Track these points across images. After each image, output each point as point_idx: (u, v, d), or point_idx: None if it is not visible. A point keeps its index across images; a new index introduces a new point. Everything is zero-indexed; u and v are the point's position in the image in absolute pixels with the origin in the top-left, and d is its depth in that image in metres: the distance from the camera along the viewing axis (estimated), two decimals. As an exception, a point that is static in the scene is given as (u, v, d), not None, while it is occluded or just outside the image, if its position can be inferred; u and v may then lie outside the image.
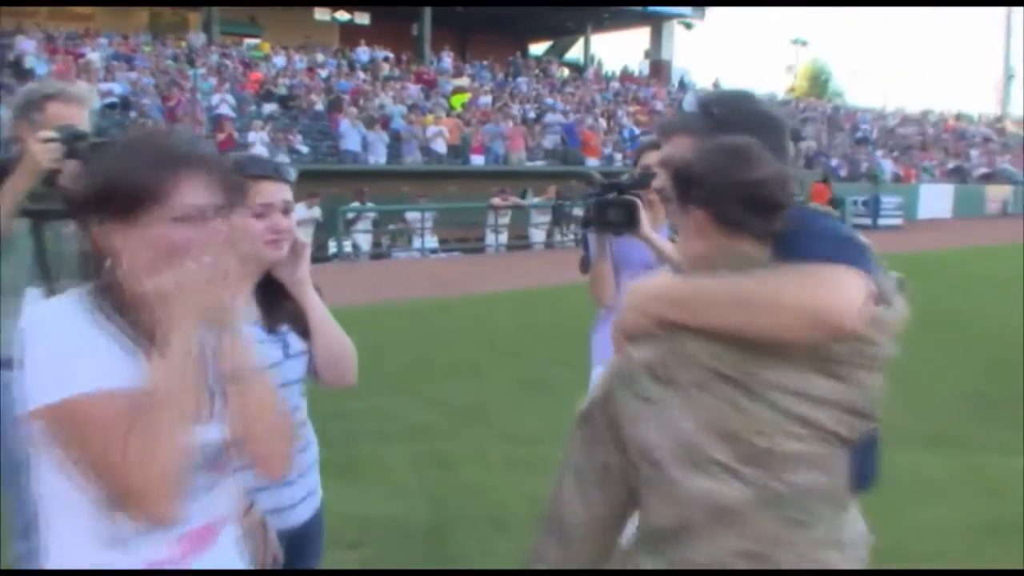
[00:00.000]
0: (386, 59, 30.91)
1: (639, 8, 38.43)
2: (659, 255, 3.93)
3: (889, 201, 29.79)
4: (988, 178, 37.84)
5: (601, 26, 41.51)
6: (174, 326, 1.53)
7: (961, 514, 5.03)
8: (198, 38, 29.16)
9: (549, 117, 28.53)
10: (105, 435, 1.44)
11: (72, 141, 2.78)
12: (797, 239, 1.72)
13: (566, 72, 38.50)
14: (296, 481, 2.34)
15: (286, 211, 2.26)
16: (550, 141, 27.03)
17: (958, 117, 48.25)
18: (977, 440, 6.62)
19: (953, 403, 7.70)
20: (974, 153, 40.47)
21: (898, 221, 29.30)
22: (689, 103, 2.01)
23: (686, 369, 1.69)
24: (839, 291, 1.63)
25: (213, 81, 24.31)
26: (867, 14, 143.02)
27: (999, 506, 5.12)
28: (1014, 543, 4.56)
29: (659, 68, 40.60)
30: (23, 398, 1.49)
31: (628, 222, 3.68)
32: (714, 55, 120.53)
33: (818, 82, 66.14)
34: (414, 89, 28.18)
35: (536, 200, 22.69)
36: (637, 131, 29.62)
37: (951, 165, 37.88)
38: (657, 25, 40.84)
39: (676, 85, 38.44)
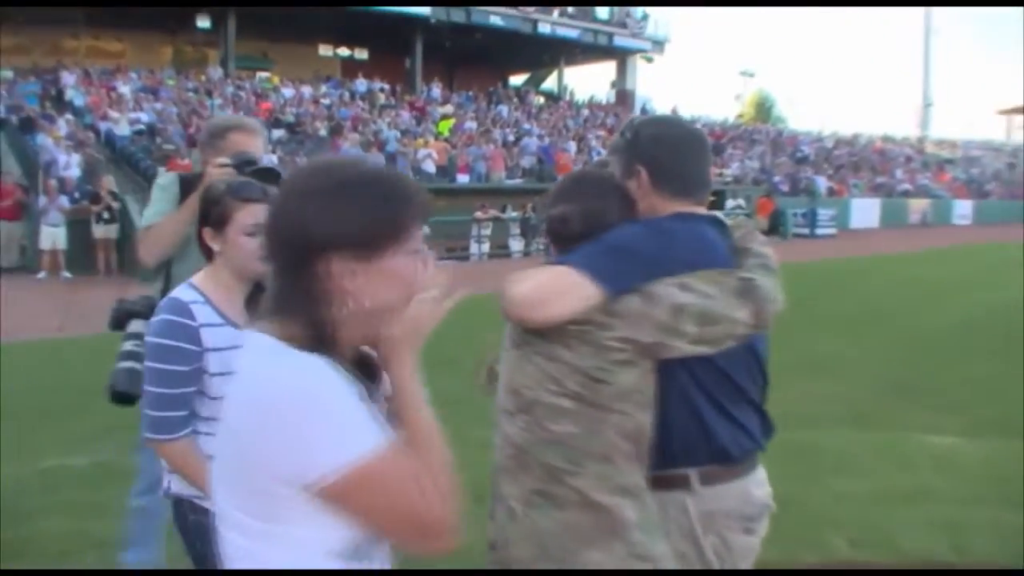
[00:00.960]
0: (382, 90, 30.96)
1: (606, 44, 38.71)
2: None
3: (825, 213, 30.00)
4: (910, 193, 38.21)
5: (573, 60, 41.69)
6: (408, 362, 1.37)
7: (877, 484, 5.11)
8: (216, 72, 29.12)
9: (526, 140, 28.64)
10: (402, 486, 1.26)
11: (242, 166, 2.92)
12: (583, 246, 1.89)
13: (542, 100, 38.63)
14: None
15: None
16: (527, 161, 27.14)
17: (884, 139, 48.66)
18: (896, 421, 6.73)
19: (877, 389, 7.81)
20: (898, 171, 40.86)
21: (833, 231, 29.54)
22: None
23: (508, 336, 1.94)
24: (519, 287, 1.83)
25: (229, 110, 24.31)
26: (807, 47, 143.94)
27: (910, 477, 5.23)
28: (921, 508, 4.69)
29: (624, 97, 40.83)
30: (283, 472, 1.22)
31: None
32: (672, 85, 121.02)
33: (763, 109, 66.40)
34: (406, 116, 28.26)
35: (514, 214, 22.82)
36: (604, 153, 29.72)
37: (878, 181, 38.23)
38: (622, 59, 41.11)
39: (639, 111, 38.64)
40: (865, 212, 33.97)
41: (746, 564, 2.01)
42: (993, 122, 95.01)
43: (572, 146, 29.62)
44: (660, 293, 1.82)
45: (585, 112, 36.72)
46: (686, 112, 40.06)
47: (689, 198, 2.01)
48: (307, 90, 28.72)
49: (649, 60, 41.68)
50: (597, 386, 1.82)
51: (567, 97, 40.83)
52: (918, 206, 36.94)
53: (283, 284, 1.33)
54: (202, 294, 2.26)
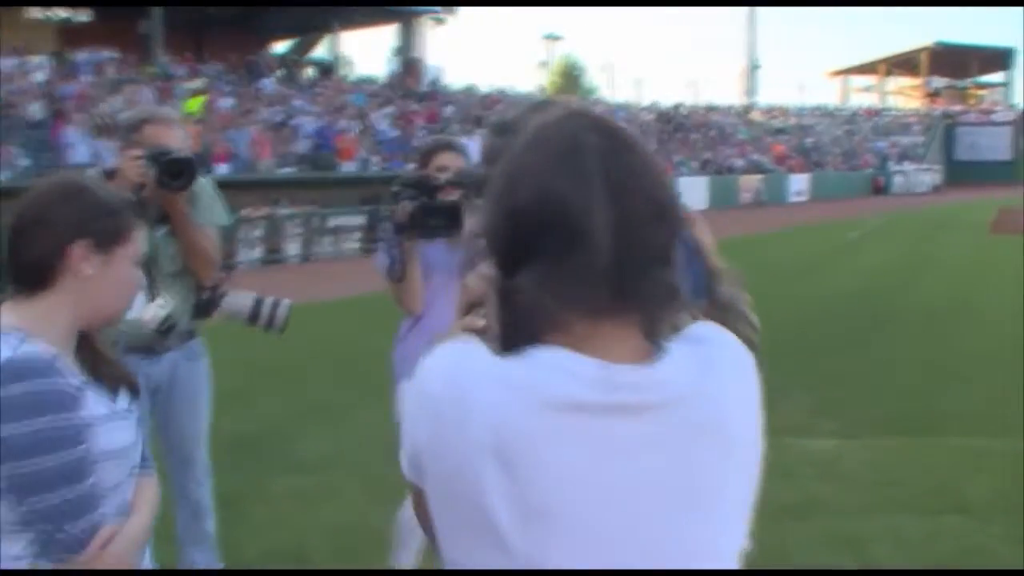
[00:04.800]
0: (112, 60, 29.53)
1: (387, 4, 38.55)
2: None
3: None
4: (740, 169, 40.34)
5: (349, 23, 41.28)
6: None
7: (759, 498, 5.23)
8: None
9: (299, 121, 28.11)
10: None
11: (158, 158, 3.34)
12: None
13: (312, 72, 38.06)
14: None
15: None
16: (302, 146, 26.63)
17: (709, 109, 51.21)
18: (768, 426, 6.94)
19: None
20: (726, 145, 43.08)
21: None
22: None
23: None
24: None
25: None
26: (620, 9, 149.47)
27: (794, 488, 5.42)
28: (814, 522, 4.89)
29: (411, 66, 40.83)
30: None
31: (452, 225, 3.70)
32: (468, 51, 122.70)
33: (571, 78, 68.41)
34: (147, 92, 27.07)
35: (289, 210, 22.29)
36: (394, 133, 29.71)
37: (705, 157, 40.14)
38: (407, 21, 41.03)
39: (429, 83, 38.82)
40: (692, 192, 35.42)
41: None
42: (825, 85, 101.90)
43: (354, 126, 29.35)
44: None
45: (367, 86, 36.48)
46: (484, 84, 40.67)
47: None
48: (10, 62, 26.95)
49: (440, 21, 41.93)
50: None
51: (344, 68, 40.41)
52: (750, 183, 39.00)
53: None
54: (43, 342, 1.99)
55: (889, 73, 71.21)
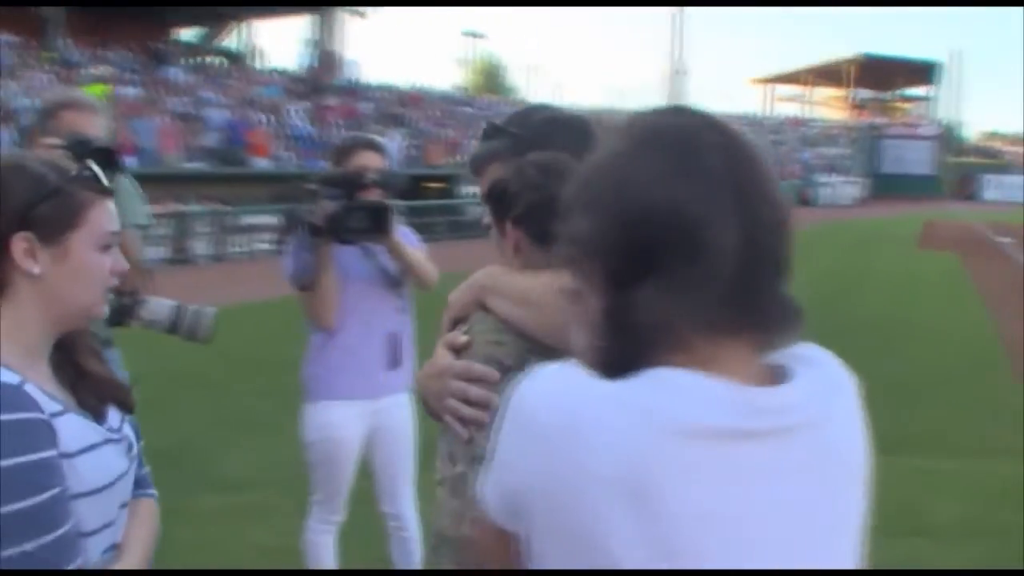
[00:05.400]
0: (9, 45, 28.60)
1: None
2: (405, 264, 3.77)
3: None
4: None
5: (262, 12, 40.58)
6: None
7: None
8: None
9: (208, 113, 27.52)
10: None
11: (76, 147, 2.95)
12: None
13: (222, 62, 37.35)
14: None
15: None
16: (211, 139, 26.07)
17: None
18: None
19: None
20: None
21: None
22: (490, 132, 2.10)
23: (467, 357, 1.75)
24: None
25: None
26: (546, 10, 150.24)
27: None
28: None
29: (328, 60, 40.24)
30: None
31: (378, 228, 3.54)
32: (386, 47, 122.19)
33: (492, 77, 68.49)
34: (45, 79, 26.25)
35: (197, 207, 21.70)
36: (310, 129, 29.29)
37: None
38: (324, 13, 40.44)
39: (348, 79, 38.38)
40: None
41: None
42: (749, 92, 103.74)
43: (267, 120, 28.85)
44: None
45: (280, 78, 35.93)
46: (403, 80, 40.41)
47: None
48: None
49: (359, 15, 41.46)
50: None
51: (255, 59, 39.75)
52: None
53: None
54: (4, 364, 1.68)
55: (814, 83, 72.54)
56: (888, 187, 56.28)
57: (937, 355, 10.35)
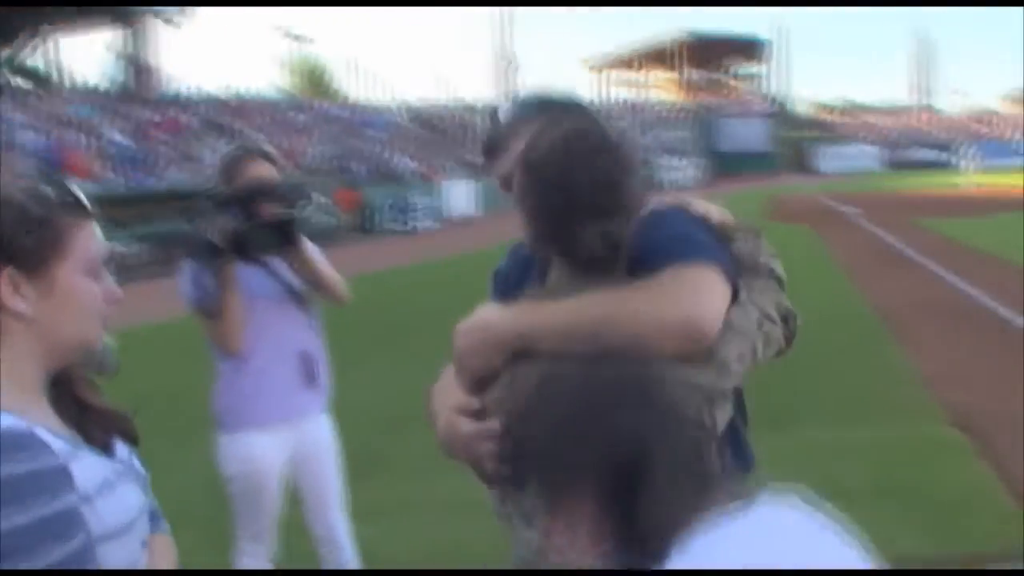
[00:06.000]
0: None
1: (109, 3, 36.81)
2: (316, 278, 3.66)
3: (419, 202, 31.07)
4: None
5: (64, 25, 39.09)
6: None
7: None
8: None
9: (21, 136, 26.41)
10: None
11: None
12: (649, 240, 1.81)
13: (23, 83, 35.94)
14: None
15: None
16: (27, 165, 25.01)
17: (465, 108, 51.74)
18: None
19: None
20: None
21: (434, 223, 30.67)
22: (506, 113, 2.12)
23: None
24: (703, 297, 1.73)
25: None
26: (369, 8, 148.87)
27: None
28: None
29: (142, 73, 39.07)
30: None
31: (286, 242, 3.43)
32: (203, 54, 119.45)
33: (315, 79, 67.67)
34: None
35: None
36: (133, 146, 28.48)
37: (467, 159, 40.44)
38: (133, 23, 39.16)
39: (166, 91, 37.45)
40: (463, 197, 35.67)
41: None
42: (584, 80, 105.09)
43: (84, 140, 27.90)
44: (745, 301, 1.82)
45: (94, 96, 34.78)
46: (224, 89, 39.64)
47: None
48: None
49: (171, 23, 40.38)
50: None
51: (63, 77, 38.35)
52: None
53: None
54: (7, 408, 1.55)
55: (646, 67, 74.16)
56: (727, 166, 58.04)
57: (817, 328, 10.61)
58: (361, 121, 41.85)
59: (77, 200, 1.66)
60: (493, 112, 2.57)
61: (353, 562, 3.84)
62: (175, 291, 3.64)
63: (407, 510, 5.61)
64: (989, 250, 16.99)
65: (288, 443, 3.67)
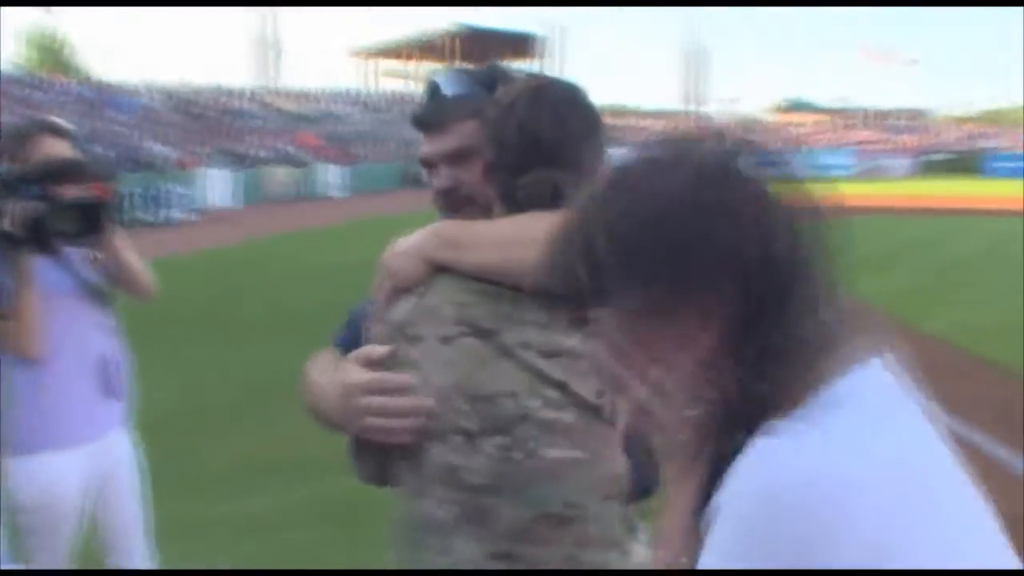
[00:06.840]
0: None
1: None
2: (124, 270, 3.43)
3: (174, 192, 30.23)
4: (268, 160, 40.26)
5: None
6: None
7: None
8: None
9: None
10: None
11: None
12: None
13: None
14: None
15: None
16: None
17: (221, 92, 50.62)
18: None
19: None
20: (247, 134, 42.81)
21: (189, 215, 29.92)
22: (453, 85, 2.05)
23: (432, 323, 1.75)
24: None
25: None
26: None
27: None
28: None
29: None
30: None
31: (92, 229, 3.16)
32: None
33: (54, 54, 65.26)
34: None
35: None
36: None
37: (225, 147, 39.62)
38: None
39: None
40: (221, 187, 34.96)
41: None
42: (350, 69, 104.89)
43: None
44: None
45: None
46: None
47: None
48: None
49: None
50: None
51: None
52: (281, 176, 39.07)
53: None
54: None
55: (417, 57, 74.31)
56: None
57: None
58: (107, 102, 40.15)
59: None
60: (432, 84, 2.34)
61: None
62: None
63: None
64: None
65: (87, 465, 3.37)
